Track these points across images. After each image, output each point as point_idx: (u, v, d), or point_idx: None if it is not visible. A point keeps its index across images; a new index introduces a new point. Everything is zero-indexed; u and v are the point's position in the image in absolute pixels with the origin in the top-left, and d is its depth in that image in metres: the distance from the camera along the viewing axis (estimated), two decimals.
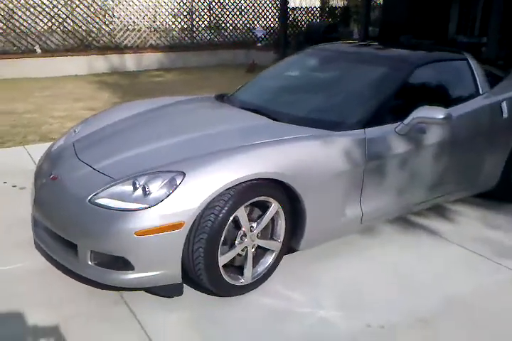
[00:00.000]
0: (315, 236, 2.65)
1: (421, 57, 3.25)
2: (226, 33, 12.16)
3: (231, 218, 2.24)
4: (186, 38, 11.66)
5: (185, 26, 11.60)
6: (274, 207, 2.42)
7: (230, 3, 11.96)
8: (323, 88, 3.22)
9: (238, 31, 12.40)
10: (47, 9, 9.73)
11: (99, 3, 10.29)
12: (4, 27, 9.49)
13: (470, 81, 3.33)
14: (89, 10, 10.24)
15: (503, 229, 3.27)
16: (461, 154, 3.16)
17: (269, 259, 2.53)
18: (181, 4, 11.31)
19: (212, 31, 11.89)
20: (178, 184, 2.14)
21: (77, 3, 10.01)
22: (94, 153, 2.65)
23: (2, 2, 9.21)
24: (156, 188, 2.15)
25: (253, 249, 2.45)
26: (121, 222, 2.10)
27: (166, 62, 11.04)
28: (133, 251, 2.11)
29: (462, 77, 3.32)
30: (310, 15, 13.52)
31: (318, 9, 14.31)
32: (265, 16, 12.62)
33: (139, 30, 10.96)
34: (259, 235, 2.45)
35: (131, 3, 10.66)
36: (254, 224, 2.40)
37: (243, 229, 2.34)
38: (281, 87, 3.39)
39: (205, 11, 11.74)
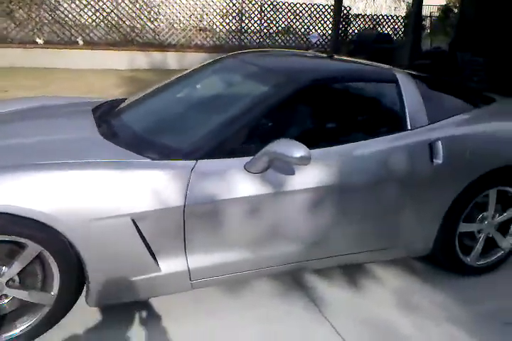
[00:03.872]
0: (108, 292, 2.04)
1: (318, 73, 2.46)
2: (277, 37, 11.63)
3: None
4: (234, 40, 11.31)
5: (234, 28, 11.25)
6: (32, 250, 1.86)
7: (283, 6, 11.41)
8: (185, 106, 2.59)
9: (291, 36, 11.82)
10: (92, 2, 9.86)
11: (145, 0, 10.24)
12: (50, 18, 9.76)
13: (394, 110, 2.50)
14: (135, 6, 10.23)
15: (417, 312, 2.40)
16: (363, 207, 2.37)
17: (34, 316, 1.98)
18: (230, 5, 10.97)
19: (262, 34, 11.42)
20: None
21: None
22: None
23: None
24: None
25: (6, 300, 1.93)
26: None
27: None
28: None
29: (382, 104, 2.51)
30: (374, 23, 12.57)
31: (400, 18, 13.25)
32: (322, 22, 11.90)
33: (184, 29, 10.79)
34: (14, 283, 1.91)
35: (177, 1, 10.51)
36: (5, 269, 1.88)
37: None
38: (154, 100, 2.77)
39: (256, 13, 11.30)
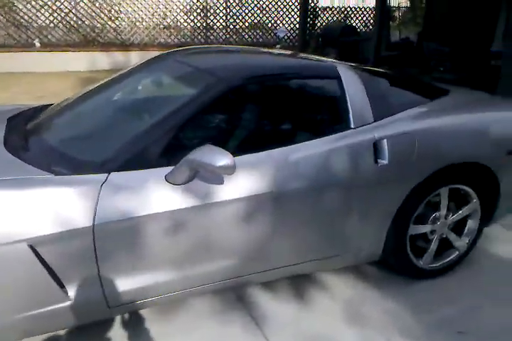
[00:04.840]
0: (9, 328, 1.80)
1: (249, 71, 2.23)
2: (244, 33, 11.39)
3: None
4: (199, 37, 11.03)
5: (199, 24, 10.97)
6: None
7: (249, 1, 11.16)
8: (104, 114, 2.35)
9: (258, 31, 11.59)
10: (49, 3, 9.48)
11: None
12: (4, 20, 9.37)
13: (335, 108, 2.31)
14: (94, 5, 9.88)
15: (367, 324, 2.23)
16: (303, 215, 2.17)
17: None
18: (195, 0, 10.68)
19: (228, 31, 11.17)
20: None
21: None
22: None
23: None
24: None
25: None
26: None
27: None
28: None
29: (322, 102, 2.32)
30: (343, 15, 12.40)
31: (370, 10, 13.08)
32: (289, 16, 11.68)
33: (147, 28, 10.48)
34: None
35: None
36: None
37: None
38: (74, 107, 2.49)
39: (222, 8, 11.03)
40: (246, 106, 2.24)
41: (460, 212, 2.57)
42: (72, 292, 1.83)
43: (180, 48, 2.91)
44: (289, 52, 2.96)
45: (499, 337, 2.19)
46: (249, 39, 11.43)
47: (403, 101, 2.57)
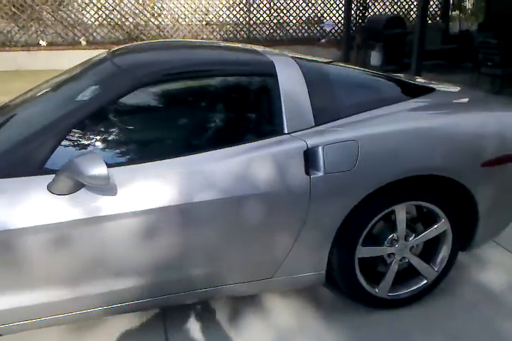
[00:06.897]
0: None
1: (161, 68, 1.96)
2: (288, 28, 11.04)
3: None
4: (242, 32, 10.85)
5: (242, 20, 10.78)
6: None
7: None
8: (19, 116, 2.16)
9: (304, 25, 11.19)
10: (94, 1, 9.71)
11: None
12: (52, 19, 9.72)
13: (266, 111, 2.01)
14: (137, 2, 9.99)
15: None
16: (217, 231, 1.89)
17: None
18: None
19: (272, 25, 10.86)
20: None
21: None
22: None
23: None
24: None
25: None
26: None
27: None
28: None
29: (250, 103, 2.02)
30: (396, 6, 11.65)
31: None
32: (337, 8, 11.16)
33: (189, 24, 10.46)
34: None
35: None
36: None
37: None
38: (6, 109, 2.39)
39: (265, 3, 10.75)
40: (154, 107, 2.00)
41: (424, 233, 2.18)
42: None
43: (126, 45, 2.72)
44: (229, 44, 2.62)
45: None
46: (294, 34, 11.09)
47: (363, 102, 2.21)
